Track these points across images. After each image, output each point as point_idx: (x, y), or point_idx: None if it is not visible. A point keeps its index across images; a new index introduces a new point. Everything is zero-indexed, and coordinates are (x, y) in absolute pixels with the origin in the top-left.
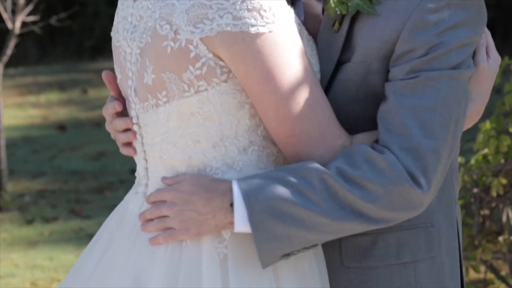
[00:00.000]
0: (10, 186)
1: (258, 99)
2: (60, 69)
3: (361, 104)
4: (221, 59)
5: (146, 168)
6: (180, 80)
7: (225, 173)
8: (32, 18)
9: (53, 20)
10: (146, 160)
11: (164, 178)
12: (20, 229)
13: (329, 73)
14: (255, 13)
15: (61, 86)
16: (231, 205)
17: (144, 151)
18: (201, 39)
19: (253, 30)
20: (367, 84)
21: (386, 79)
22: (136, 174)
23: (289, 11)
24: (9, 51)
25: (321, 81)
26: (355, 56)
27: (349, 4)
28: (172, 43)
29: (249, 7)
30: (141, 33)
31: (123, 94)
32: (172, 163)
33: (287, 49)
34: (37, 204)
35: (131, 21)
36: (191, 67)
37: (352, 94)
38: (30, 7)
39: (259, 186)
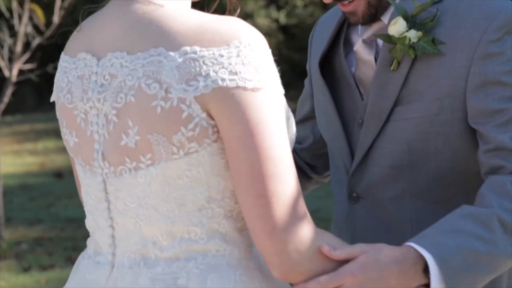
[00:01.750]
0: (7, 234)
1: (235, 154)
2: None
3: (432, 142)
4: (212, 118)
5: (113, 236)
6: (169, 142)
7: (210, 238)
8: (29, 66)
9: (50, 68)
10: (113, 228)
11: (332, 249)
12: (17, 277)
13: (387, 111)
14: (252, 70)
15: (58, 134)
16: (423, 270)
17: (111, 218)
18: (195, 97)
19: (249, 85)
20: (440, 122)
21: (460, 116)
22: (91, 242)
23: (277, 74)
24: (6, 99)
25: (377, 119)
26: (428, 95)
27: (415, 47)
28: (162, 103)
29: (244, 61)
30: (115, 92)
31: (76, 159)
32: (150, 230)
33: (275, 109)
34: (34, 252)
35: (96, 81)
36: (183, 128)
37: (424, 131)
38: (27, 55)
39: (445, 245)
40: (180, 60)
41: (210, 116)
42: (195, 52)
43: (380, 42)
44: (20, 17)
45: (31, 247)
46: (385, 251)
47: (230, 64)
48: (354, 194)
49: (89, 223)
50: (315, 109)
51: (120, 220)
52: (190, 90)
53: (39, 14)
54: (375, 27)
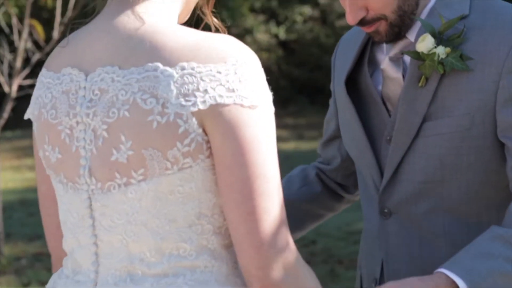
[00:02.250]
0: (7, 249)
1: (228, 170)
2: None
3: (464, 156)
4: (206, 134)
5: (96, 254)
6: (164, 157)
7: (198, 254)
8: (29, 82)
9: None
10: (97, 245)
11: None
12: None
13: (416, 127)
14: (248, 87)
15: None
16: None
17: (95, 235)
18: (192, 112)
19: (246, 102)
20: (471, 136)
21: (491, 130)
22: (68, 262)
23: (269, 93)
24: (6, 114)
25: (406, 135)
26: (458, 110)
27: (444, 63)
28: (159, 118)
29: (241, 79)
30: (106, 107)
31: (57, 176)
32: (137, 246)
33: (269, 127)
34: (33, 267)
35: (84, 95)
36: (179, 144)
37: (455, 146)
38: (26, 71)
39: (476, 270)
40: (177, 75)
41: (205, 132)
42: (192, 68)
43: (407, 59)
44: (20, 33)
45: (30, 262)
46: (417, 283)
47: (228, 81)
48: (385, 210)
49: (68, 243)
50: (341, 128)
51: (105, 237)
52: (188, 105)
53: (39, 29)
54: (400, 45)
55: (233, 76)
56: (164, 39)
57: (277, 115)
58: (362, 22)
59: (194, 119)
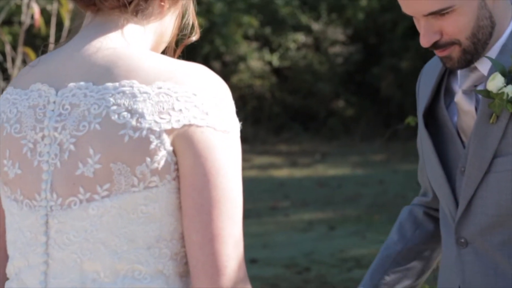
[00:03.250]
0: None
1: (197, 192)
2: None
3: None
4: (175, 155)
5: (45, 273)
6: (132, 172)
7: (153, 279)
8: None
9: None
10: (47, 264)
11: None
12: None
13: (487, 162)
14: (221, 113)
15: None
16: None
17: (47, 254)
18: (165, 130)
19: (218, 127)
20: None
21: None
22: (13, 283)
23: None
24: None
25: (478, 170)
26: None
27: None
28: (131, 132)
29: (216, 106)
30: (76, 121)
31: (12, 194)
32: (92, 266)
33: (238, 153)
34: None
35: (53, 110)
36: (148, 160)
37: None
38: None
39: None
40: (153, 93)
41: (174, 152)
42: (169, 88)
43: None
44: (13, 61)
45: None
46: None
47: (203, 104)
48: (462, 240)
49: (15, 263)
50: (424, 157)
51: (58, 256)
52: (162, 123)
53: (32, 57)
54: (473, 78)
55: (208, 99)
56: (141, 60)
57: (271, 142)
58: (436, 46)
59: (166, 137)
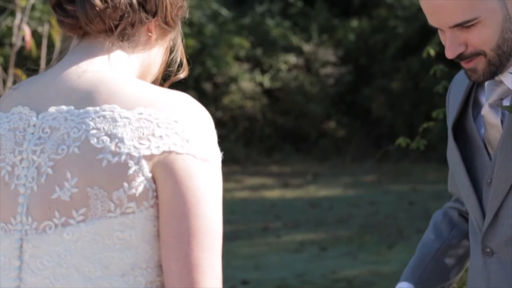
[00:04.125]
0: None
1: (177, 220)
2: None
3: None
4: (154, 182)
5: None
6: (109, 197)
7: None
8: None
9: None
10: None
11: None
12: None
13: None
14: (202, 141)
15: None
16: None
17: (20, 279)
18: (144, 156)
19: (198, 155)
20: None
21: None
22: None
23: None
24: None
25: (504, 183)
26: None
27: None
28: (109, 156)
29: (197, 134)
30: (55, 144)
31: None
32: None
33: (219, 182)
34: None
35: (33, 133)
36: (125, 185)
37: None
38: None
39: None
40: (134, 118)
41: (153, 179)
42: (150, 114)
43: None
44: (4, 82)
45: None
46: None
47: (183, 131)
48: (488, 249)
49: None
50: (453, 168)
51: (30, 281)
52: (141, 148)
53: (24, 79)
54: (499, 92)
55: (189, 127)
56: (121, 86)
57: (262, 163)
58: (461, 57)
59: (145, 163)
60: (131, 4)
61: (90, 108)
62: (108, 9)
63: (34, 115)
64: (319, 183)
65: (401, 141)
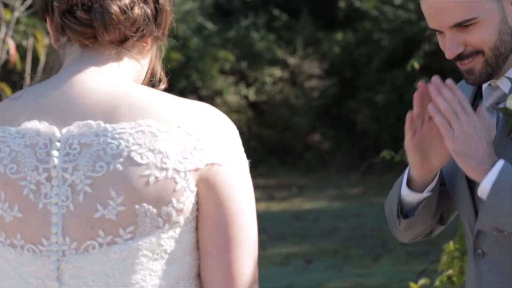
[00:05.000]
0: None
1: (221, 231)
2: None
3: None
4: (197, 194)
5: None
6: (158, 214)
7: None
8: None
9: None
10: None
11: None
12: None
13: None
14: (237, 151)
15: None
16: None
17: None
18: (190, 170)
19: (236, 164)
20: None
21: None
22: None
23: None
24: None
25: None
26: None
27: None
28: (156, 172)
29: (232, 144)
30: (90, 161)
31: (10, 239)
32: None
33: (252, 190)
34: None
35: (59, 149)
36: (174, 201)
37: None
38: None
39: None
40: (173, 133)
41: (197, 192)
42: (188, 127)
43: None
44: None
45: None
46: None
47: (221, 142)
48: (479, 251)
49: None
50: (448, 169)
51: None
52: (186, 162)
53: (8, 93)
54: (495, 95)
55: (225, 138)
56: (152, 99)
57: None
58: (460, 57)
59: (191, 177)
60: (147, 17)
61: (125, 123)
62: (127, 21)
63: (55, 130)
64: (305, 195)
65: (386, 154)
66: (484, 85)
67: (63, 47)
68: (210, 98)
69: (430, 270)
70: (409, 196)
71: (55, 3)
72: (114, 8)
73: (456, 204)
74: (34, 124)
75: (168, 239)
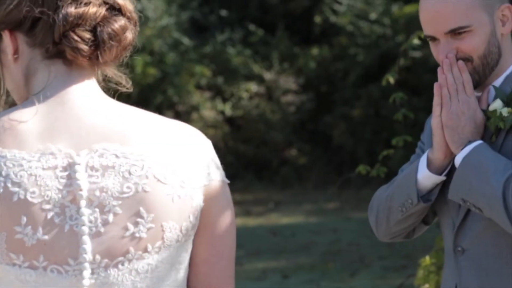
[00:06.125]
0: None
1: (219, 240)
2: None
3: None
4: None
5: None
6: (180, 229)
7: None
8: None
9: None
10: None
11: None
12: None
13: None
14: (220, 166)
15: None
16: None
17: None
18: (200, 187)
19: (225, 180)
20: None
21: None
22: None
23: None
24: None
25: None
26: None
27: (504, 120)
28: (178, 191)
29: (217, 160)
30: (117, 183)
31: (30, 261)
32: None
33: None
34: None
35: (80, 172)
36: (191, 217)
37: None
38: None
39: (491, 153)
40: (186, 153)
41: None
42: (192, 147)
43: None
44: None
45: None
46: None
47: (213, 159)
48: (459, 248)
49: None
50: None
51: None
52: (198, 181)
53: None
54: (483, 101)
55: (214, 154)
56: (155, 121)
57: None
58: None
59: (201, 193)
60: (133, 38)
61: (142, 145)
62: (123, 43)
63: (73, 153)
64: (281, 210)
65: (361, 168)
66: None
67: (31, 62)
68: (186, 113)
69: (407, 284)
70: (427, 179)
71: (61, 21)
72: (116, 31)
73: (443, 200)
74: (49, 148)
75: (182, 251)
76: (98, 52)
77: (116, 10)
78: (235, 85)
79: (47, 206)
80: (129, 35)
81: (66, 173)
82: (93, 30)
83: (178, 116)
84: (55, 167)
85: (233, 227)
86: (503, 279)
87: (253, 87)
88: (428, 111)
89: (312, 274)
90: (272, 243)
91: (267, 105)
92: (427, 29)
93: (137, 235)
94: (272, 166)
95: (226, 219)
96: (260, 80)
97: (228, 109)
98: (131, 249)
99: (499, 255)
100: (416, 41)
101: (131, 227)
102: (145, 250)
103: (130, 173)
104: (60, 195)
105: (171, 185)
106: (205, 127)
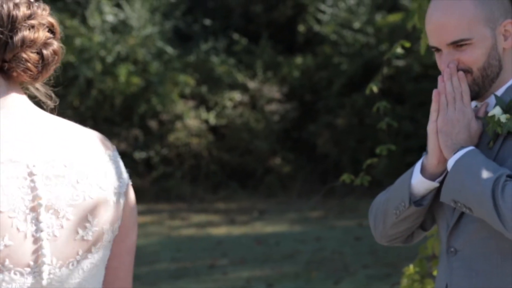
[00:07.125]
0: None
1: (129, 237)
2: None
3: None
4: None
5: None
6: (112, 230)
7: None
8: None
9: None
10: None
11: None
12: None
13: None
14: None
15: None
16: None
17: None
18: (123, 192)
19: (130, 182)
20: None
21: None
22: None
23: None
24: None
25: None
26: (510, 166)
27: (502, 126)
28: (112, 196)
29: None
30: (68, 191)
31: (2, 263)
32: None
33: None
34: None
35: (37, 181)
36: (120, 218)
37: None
38: None
39: (482, 157)
40: (112, 159)
41: None
42: (113, 154)
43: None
44: None
45: None
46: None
47: (121, 164)
48: (452, 249)
49: None
50: None
51: None
52: (124, 185)
53: None
54: (481, 110)
55: (120, 160)
56: (77, 129)
57: (208, 200)
58: None
59: (124, 197)
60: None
61: (84, 154)
62: (60, 59)
63: (30, 163)
64: (265, 219)
65: (345, 177)
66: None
67: None
68: (170, 122)
69: None
70: (420, 184)
71: (19, 43)
72: (56, 51)
73: (439, 204)
74: (7, 155)
75: (110, 249)
76: (42, 72)
77: (52, 31)
78: (219, 94)
79: (12, 214)
80: (62, 51)
81: (27, 183)
82: (40, 52)
83: (162, 125)
84: (16, 177)
85: (136, 224)
86: (492, 280)
87: (237, 96)
88: (412, 119)
89: (296, 283)
90: (257, 252)
91: (251, 114)
92: (432, 40)
93: (85, 238)
94: (256, 175)
95: (135, 218)
96: (244, 89)
97: (212, 118)
98: (80, 251)
99: (489, 256)
100: (399, 50)
101: (80, 231)
102: (90, 251)
103: (77, 182)
104: (23, 204)
105: (108, 191)
106: (189, 136)
